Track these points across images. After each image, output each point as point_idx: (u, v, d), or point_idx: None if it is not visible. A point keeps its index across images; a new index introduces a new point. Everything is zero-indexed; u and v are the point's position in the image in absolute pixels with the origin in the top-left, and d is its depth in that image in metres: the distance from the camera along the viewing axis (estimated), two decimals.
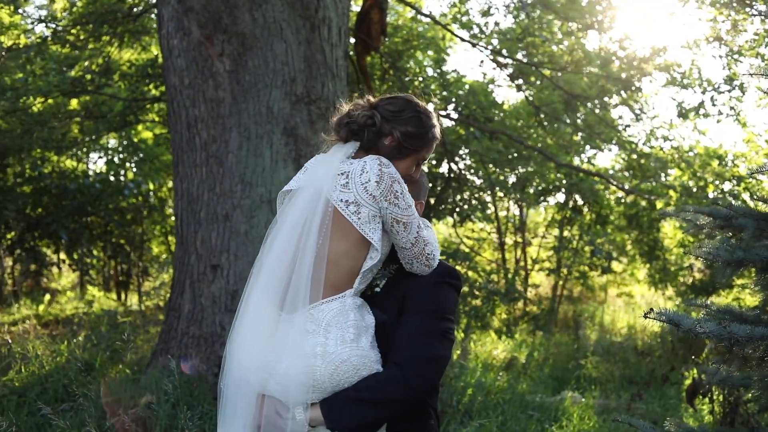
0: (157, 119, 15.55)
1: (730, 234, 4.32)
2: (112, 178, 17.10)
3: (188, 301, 7.73)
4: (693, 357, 9.81)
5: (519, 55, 13.85)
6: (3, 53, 13.00)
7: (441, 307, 3.03)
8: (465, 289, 12.88)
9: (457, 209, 15.72)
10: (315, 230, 2.89)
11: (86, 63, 13.52)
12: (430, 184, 15.47)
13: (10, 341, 8.85)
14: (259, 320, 2.92)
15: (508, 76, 14.06)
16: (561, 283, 16.30)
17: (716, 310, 4.06)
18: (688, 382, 8.86)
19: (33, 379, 7.60)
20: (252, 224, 7.57)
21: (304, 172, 3.11)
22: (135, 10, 12.70)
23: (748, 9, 11.30)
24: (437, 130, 3.15)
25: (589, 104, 13.71)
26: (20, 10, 14.91)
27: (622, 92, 14.04)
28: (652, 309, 3.54)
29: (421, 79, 14.88)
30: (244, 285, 3.11)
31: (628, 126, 14.57)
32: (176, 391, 5.76)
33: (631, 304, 17.84)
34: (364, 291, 3.06)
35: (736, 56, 12.69)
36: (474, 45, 13.32)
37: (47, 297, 15.17)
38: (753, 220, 3.94)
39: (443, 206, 15.56)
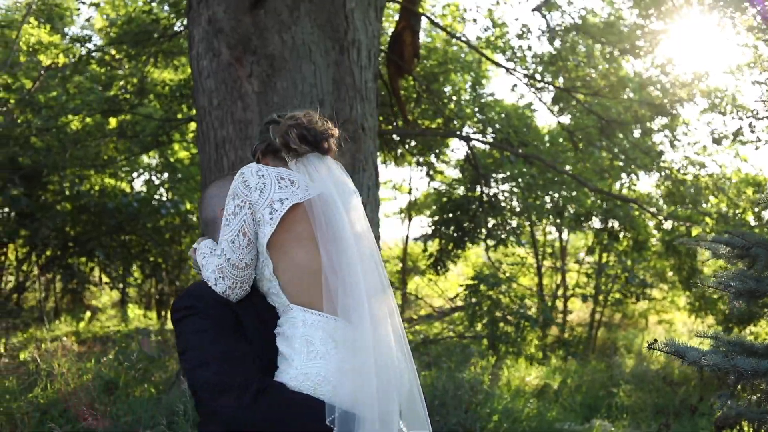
0: (190, 139, 15.67)
1: (749, 263, 4.22)
2: (156, 197, 17.24)
3: None
4: (729, 388, 9.62)
5: (552, 79, 13.79)
6: (41, 72, 13.18)
7: None
8: (498, 314, 12.82)
9: (492, 233, 15.61)
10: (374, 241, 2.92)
11: (121, 83, 13.67)
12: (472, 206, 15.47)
13: (38, 359, 8.91)
14: (380, 335, 2.79)
15: (543, 100, 14.01)
16: (599, 309, 16.12)
17: (726, 342, 3.96)
18: (719, 413, 8.69)
19: (57, 397, 7.63)
20: None
21: (305, 183, 2.94)
22: (170, 30, 12.82)
23: None
24: None
25: (627, 129, 13.60)
26: (66, 29, 15.16)
27: (661, 118, 13.92)
28: (656, 340, 3.47)
29: (454, 102, 14.86)
30: None
31: (662, 152, 14.39)
32: (188, 413, 5.74)
33: (672, 331, 17.57)
34: None
35: None
36: (508, 70, 13.27)
37: (87, 314, 15.29)
38: (765, 250, 3.84)
39: (478, 230, 15.48)
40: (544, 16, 12.53)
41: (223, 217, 2.82)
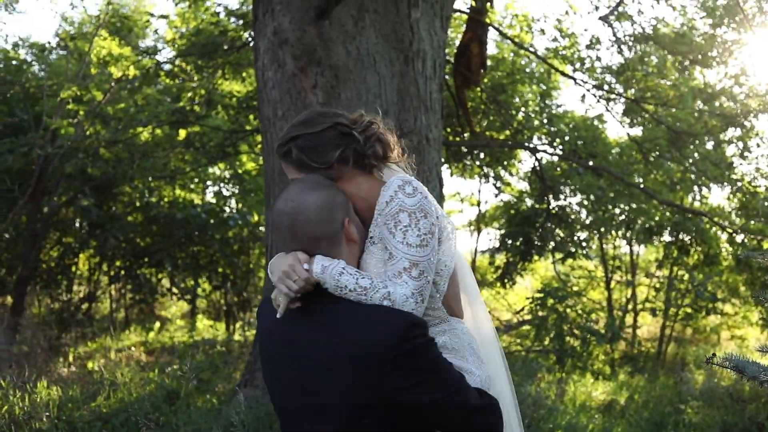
0: (258, 150, 15.75)
1: None
2: (225, 209, 17.35)
3: None
4: None
5: (622, 90, 13.57)
6: (112, 84, 13.35)
7: None
8: (565, 327, 12.65)
9: (559, 246, 15.44)
10: None
11: (189, 94, 13.78)
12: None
13: (102, 368, 8.98)
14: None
15: (612, 112, 13.78)
16: (669, 324, 15.82)
17: None
18: None
19: (119, 406, 7.67)
20: None
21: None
22: (238, 42, 12.87)
23: None
24: None
25: (697, 141, 13.35)
26: (141, 42, 15.37)
27: (736, 129, 13.65)
28: (714, 354, 3.36)
29: (523, 113, 14.74)
30: None
31: (732, 164, 14.07)
32: (246, 424, 5.70)
33: (744, 347, 17.16)
34: None
35: None
36: (576, 81, 13.09)
37: (157, 325, 15.43)
38: None
39: (545, 243, 15.33)
40: (611, 26, 12.34)
41: (413, 236, 2.60)
